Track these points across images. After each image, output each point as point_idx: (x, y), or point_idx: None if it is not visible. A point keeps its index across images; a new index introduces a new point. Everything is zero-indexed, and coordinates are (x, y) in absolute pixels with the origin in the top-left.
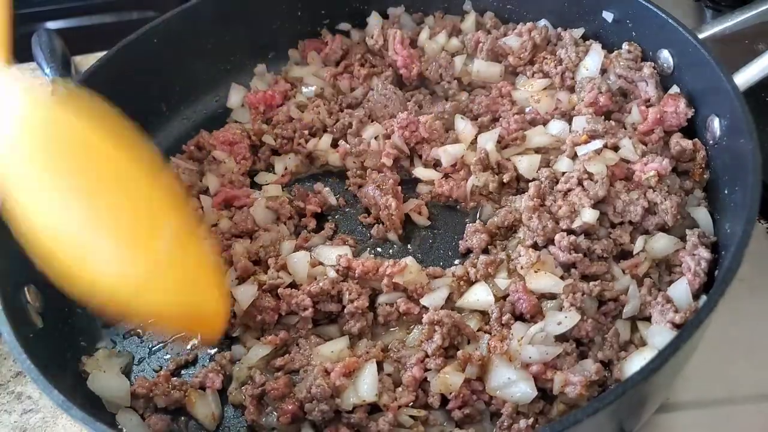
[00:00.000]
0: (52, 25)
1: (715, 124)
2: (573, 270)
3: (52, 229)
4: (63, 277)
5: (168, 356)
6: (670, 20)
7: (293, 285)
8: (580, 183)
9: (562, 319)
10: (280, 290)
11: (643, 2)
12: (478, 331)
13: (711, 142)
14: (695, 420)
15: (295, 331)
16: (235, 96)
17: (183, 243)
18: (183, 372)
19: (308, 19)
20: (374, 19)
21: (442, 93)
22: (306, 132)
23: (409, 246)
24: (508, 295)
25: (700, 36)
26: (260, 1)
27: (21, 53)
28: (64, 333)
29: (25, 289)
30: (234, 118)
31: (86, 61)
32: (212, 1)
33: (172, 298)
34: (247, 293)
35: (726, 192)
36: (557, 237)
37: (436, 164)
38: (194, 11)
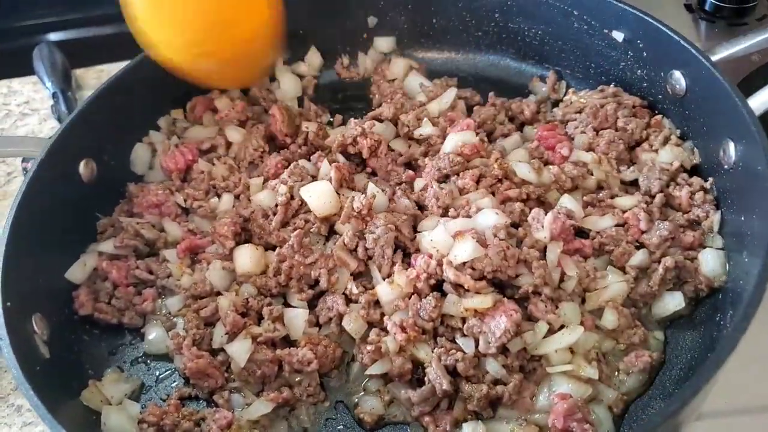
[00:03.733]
0: (52, 37)
1: (731, 149)
2: None
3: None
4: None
5: (175, 384)
6: (682, 41)
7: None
8: None
9: None
10: (278, 352)
11: (654, 22)
12: None
13: (726, 167)
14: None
15: (301, 389)
16: (141, 158)
17: None
18: (187, 403)
19: None
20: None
21: None
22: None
23: None
24: None
25: (714, 58)
26: None
27: (22, 67)
28: (70, 361)
29: (32, 318)
30: (148, 180)
31: (87, 75)
32: None
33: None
34: (242, 349)
35: (743, 219)
36: None
37: None
38: None
